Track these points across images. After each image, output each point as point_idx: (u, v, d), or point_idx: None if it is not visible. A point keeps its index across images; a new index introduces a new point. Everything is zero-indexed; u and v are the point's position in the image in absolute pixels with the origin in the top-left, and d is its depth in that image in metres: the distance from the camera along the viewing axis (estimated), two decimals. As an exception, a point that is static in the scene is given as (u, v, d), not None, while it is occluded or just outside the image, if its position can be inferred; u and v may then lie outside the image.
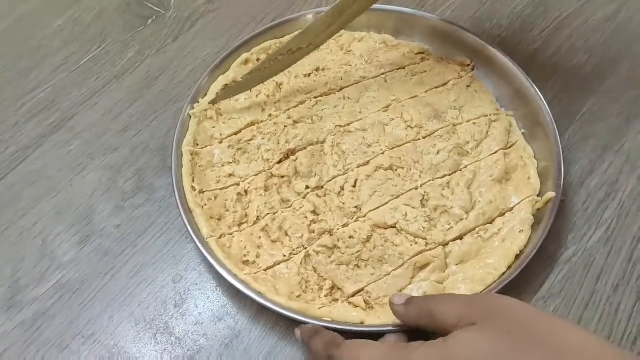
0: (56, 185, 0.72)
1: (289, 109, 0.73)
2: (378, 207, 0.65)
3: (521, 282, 0.61)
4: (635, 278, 0.63)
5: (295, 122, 0.71)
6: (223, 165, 0.70)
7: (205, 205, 0.66)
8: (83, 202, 0.70)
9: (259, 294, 0.59)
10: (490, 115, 0.72)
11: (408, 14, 0.80)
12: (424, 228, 0.63)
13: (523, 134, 0.71)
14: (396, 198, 0.65)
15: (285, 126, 0.71)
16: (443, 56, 0.79)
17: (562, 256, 0.65)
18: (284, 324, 0.61)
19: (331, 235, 0.63)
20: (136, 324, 0.62)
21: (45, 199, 0.71)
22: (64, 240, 0.67)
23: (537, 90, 0.71)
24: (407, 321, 0.54)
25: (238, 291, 0.60)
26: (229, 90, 0.74)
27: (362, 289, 0.61)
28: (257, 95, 0.75)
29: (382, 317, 0.58)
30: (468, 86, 0.75)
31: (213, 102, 0.73)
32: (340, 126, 0.71)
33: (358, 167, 0.68)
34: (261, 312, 0.62)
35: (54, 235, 0.68)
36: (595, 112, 0.75)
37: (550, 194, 0.64)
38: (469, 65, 0.78)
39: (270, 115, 0.73)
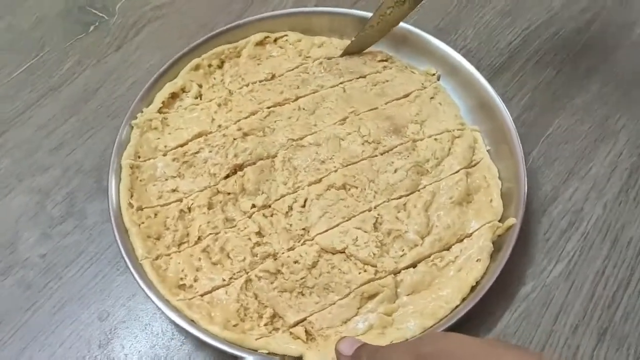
0: (-21, 209, 0.66)
1: (239, 120, 0.68)
2: (327, 230, 0.60)
3: (474, 320, 0.57)
4: (596, 318, 0.59)
5: (245, 134, 0.67)
6: (166, 180, 0.65)
7: (143, 223, 0.61)
8: (7, 229, 0.65)
9: (191, 322, 0.55)
10: (453, 130, 0.68)
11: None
12: (374, 254, 0.59)
13: (488, 151, 0.67)
14: (347, 220, 0.61)
15: (234, 139, 0.66)
16: (407, 64, 0.74)
17: (519, 292, 0.60)
18: (219, 366, 0.57)
19: (275, 259, 0.59)
20: (57, 366, 0.57)
21: (-34, 224, 0.65)
22: (-16, 270, 0.62)
23: (503, 104, 0.67)
24: None
25: (169, 326, 0.56)
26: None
27: (305, 319, 0.57)
28: (207, 103, 0.70)
29: (322, 352, 0.54)
30: (432, 98, 0.71)
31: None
32: (293, 140, 0.66)
33: (309, 185, 0.63)
34: (192, 354, 0.58)
35: (-28, 266, 0.63)
36: (562, 133, 0.70)
37: (511, 221, 0.60)
38: (434, 74, 0.73)
39: (219, 126, 0.68)
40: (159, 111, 0.69)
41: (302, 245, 0.60)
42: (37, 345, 0.58)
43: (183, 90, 0.71)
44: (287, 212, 0.62)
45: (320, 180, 0.64)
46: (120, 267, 0.62)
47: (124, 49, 0.79)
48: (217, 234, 0.61)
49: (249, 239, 0.60)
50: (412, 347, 0.45)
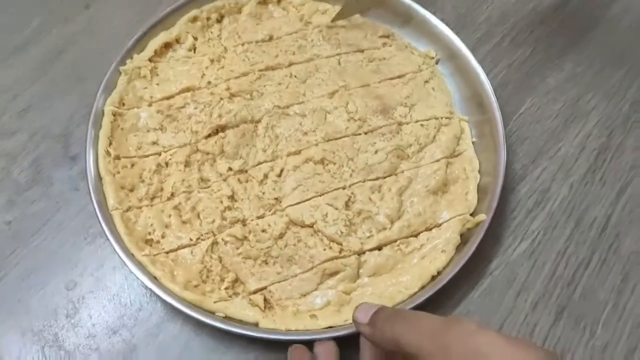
0: (-58, 173, 0.65)
1: (229, 79, 0.67)
2: (299, 203, 0.61)
3: (439, 296, 0.57)
4: (555, 296, 0.60)
5: (233, 95, 0.66)
6: (148, 131, 0.65)
7: (119, 173, 0.61)
8: (-29, 194, 0.64)
9: (153, 278, 0.56)
10: (441, 118, 0.67)
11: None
12: (341, 232, 0.59)
13: (474, 143, 0.66)
14: (320, 195, 0.61)
15: (221, 98, 0.66)
16: (408, 44, 0.73)
17: (484, 269, 0.62)
18: (183, 338, 0.57)
19: (244, 225, 0.59)
20: (23, 335, 0.57)
21: None
22: (-53, 237, 0.61)
23: (495, 99, 0.65)
24: (373, 343, 0.48)
25: (137, 297, 0.57)
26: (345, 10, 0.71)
27: (265, 287, 0.58)
28: (200, 57, 0.69)
29: (277, 322, 0.55)
30: (426, 82, 0.70)
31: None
32: (279, 107, 0.66)
33: (288, 155, 0.63)
34: (161, 325, 0.58)
35: None
36: (534, 112, 0.71)
37: (481, 217, 0.60)
38: (433, 57, 0.72)
39: (209, 83, 0.67)
40: (150, 59, 0.68)
41: (272, 214, 0.60)
42: (4, 313, 0.58)
43: (177, 40, 0.70)
44: (262, 180, 0.62)
45: (299, 151, 0.63)
46: (87, 236, 0.62)
47: (94, 7, 0.76)
48: (190, 192, 0.61)
49: (221, 201, 0.60)
50: (436, 334, 0.41)
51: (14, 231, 0.62)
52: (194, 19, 0.71)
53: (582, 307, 0.60)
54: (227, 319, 0.55)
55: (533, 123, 0.70)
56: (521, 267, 0.62)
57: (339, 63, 0.70)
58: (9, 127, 0.68)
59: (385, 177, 0.63)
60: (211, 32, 0.72)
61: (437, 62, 0.72)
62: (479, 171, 0.64)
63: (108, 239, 0.57)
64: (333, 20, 0.72)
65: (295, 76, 0.68)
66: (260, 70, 0.68)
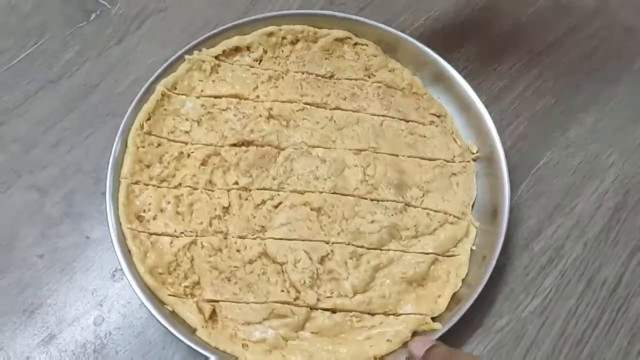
0: (-23, 203, 0.67)
1: (275, 101, 0.70)
2: (280, 239, 0.63)
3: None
4: (564, 355, 0.62)
5: (271, 116, 0.69)
6: (186, 120, 0.69)
7: (143, 147, 0.66)
8: (4, 226, 0.66)
9: (128, 252, 0.60)
10: (450, 215, 0.66)
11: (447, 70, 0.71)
12: (304, 282, 0.61)
13: (472, 250, 0.65)
14: (302, 241, 0.63)
15: (259, 115, 0.69)
16: (454, 130, 0.72)
17: (495, 324, 0.63)
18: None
19: (225, 238, 0.63)
20: (54, 369, 0.60)
21: (-38, 219, 0.66)
22: (-20, 269, 0.64)
23: (507, 222, 0.63)
24: None
25: (161, 336, 0.61)
26: None
27: (218, 301, 0.61)
28: (262, 70, 0.72)
29: (212, 336, 0.58)
30: (453, 174, 0.69)
31: None
32: (306, 144, 0.68)
33: (292, 191, 0.66)
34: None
35: (-32, 263, 0.64)
36: (553, 166, 0.71)
37: (436, 325, 0.59)
38: (473, 153, 0.70)
39: (257, 97, 0.70)
40: (217, 57, 0.72)
41: (253, 239, 0.63)
42: (35, 347, 0.61)
43: (248, 48, 0.73)
44: (258, 205, 0.65)
45: (303, 192, 0.65)
46: (116, 272, 0.65)
47: (126, 42, 0.77)
48: (194, 189, 0.65)
49: (215, 209, 0.64)
50: None
51: (45, 265, 0.65)
52: (270, 34, 0.74)
53: (588, 368, 0.61)
54: (173, 314, 0.59)
55: (551, 178, 0.70)
56: (531, 325, 0.63)
57: (381, 124, 0.71)
58: (41, 160, 0.70)
59: (369, 249, 0.64)
60: (282, 51, 0.75)
61: (475, 159, 0.70)
62: (462, 280, 0.63)
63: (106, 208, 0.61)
64: None
65: (335, 121, 0.70)
66: (305, 103, 0.70)
